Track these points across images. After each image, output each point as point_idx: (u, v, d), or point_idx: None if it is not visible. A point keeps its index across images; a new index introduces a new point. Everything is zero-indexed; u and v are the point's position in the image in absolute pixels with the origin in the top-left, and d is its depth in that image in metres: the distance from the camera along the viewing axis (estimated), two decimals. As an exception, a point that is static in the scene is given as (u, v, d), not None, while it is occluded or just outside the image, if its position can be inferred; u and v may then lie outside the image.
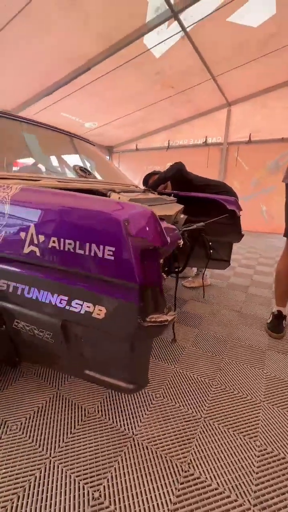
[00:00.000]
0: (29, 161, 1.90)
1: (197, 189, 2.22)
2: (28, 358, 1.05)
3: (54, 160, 1.92)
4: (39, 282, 0.83)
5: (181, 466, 0.87)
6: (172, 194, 1.97)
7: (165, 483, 0.81)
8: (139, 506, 0.75)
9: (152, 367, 1.33)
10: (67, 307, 0.78)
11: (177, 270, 1.79)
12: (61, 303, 0.79)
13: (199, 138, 6.58)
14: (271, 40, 3.77)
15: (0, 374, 1.23)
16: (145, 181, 2.38)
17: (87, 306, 0.75)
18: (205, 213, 1.85)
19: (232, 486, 0.81)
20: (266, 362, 1.41)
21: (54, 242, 0.76)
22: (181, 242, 0.84)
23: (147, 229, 0.66)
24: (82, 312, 0.76)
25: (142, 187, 2.15)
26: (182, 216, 1.60)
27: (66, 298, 0.78)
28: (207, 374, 1.31)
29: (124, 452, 0.91)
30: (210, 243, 2.18)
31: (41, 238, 0.78)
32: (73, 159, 2.04)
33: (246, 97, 5.70)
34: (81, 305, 0.76)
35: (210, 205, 1.95)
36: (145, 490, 0.79)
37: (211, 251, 2.19)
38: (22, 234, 0.82)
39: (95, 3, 2.80)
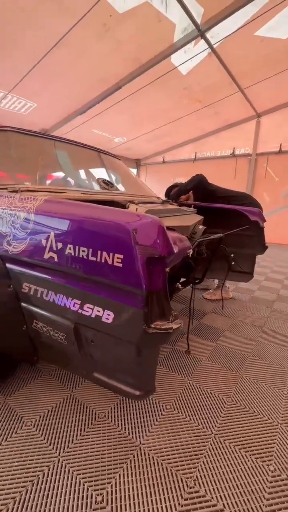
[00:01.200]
0: (59, 175, 2.06)
1: (220, 201, 2.21)
2: (45, 357, 1.11)
3: (81, 174, 2.06)
4: (56, 286, 0.89)
5: (186, 482, 0.84)
6: (193, 206, 1.99)
7: (169, 497, 0.80)
8: (140, 516, 0.75)
9: (164, 378, 1.33)
10: (79, 311, 0.83)
11: (196, 281, 1.78)
12: (75, 307, 0.84)
13: (227, 150, 6.53)
14: (302, 50, 3.70)
15: (20, 372, 1.31)
16: (167, 193, 2.43)
17: (97, 311, 0.79)
18: (227, 224, 1.84)
19: (239, 510, 0.77)
20: None
21: (70, 249, 0.82)
22: (191, 252, 0.85)
23: (154, 238, 0.69)
24: (93, 316, 0.80)
25: (165, 198, 2.20)
26: (200, 227, 1.60)
27: (79, 302, 0.83)
28: (222, 389, 1.26)
29: (130, 460, 0.91)
30: (232, 255, 2.14)
31: (59, 245, 0.85)
32: (99, 173, 2.16)
33: (276, 108, 5.58)
34: (92, 309, 0.80)
35: (233, 216, 1.92)
36: (147, 501, 0.79)
37: (233, 263, 2.14)
38: (43, 241, 0.89)
39: (126, 30, 3.01)
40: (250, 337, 1.77)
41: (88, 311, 0.81)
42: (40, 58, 3.29)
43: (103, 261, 0.74)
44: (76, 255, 0.80)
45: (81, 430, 1.01)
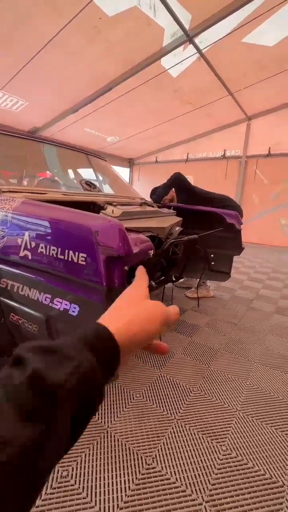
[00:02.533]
0: (45, 175, 2.12)
1: (202, 201, 2.31)
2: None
3: (66, 175, 2.12)
4: (30, 282, 0.97)
5: (145, 460, 0.93)
6: (172, 208, 2.08)
7: (128, 472, 0.89)
8: (100, 488, 0.83)
9: (137, 370, 1.41)
10: (50, 304, 0.91)
11: (174, 280, 1.87)
12: (46, 301, 0.92)
13: (218, 151, 6.64)
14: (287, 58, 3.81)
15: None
16: (152, 194, 2.52)
17: (65, 304, 0.87)
18: (206, 226, 1.93)
19: (189, 483, 0.86)
20: (252, 374, 1.43)
21: (42, 247, 0.89)
22: (152, 252, 0.94)
23: (113, 239, 0.77)
24: (61, 309, 0.88)
25: (149, 200, 2.29)
26: (177, 228, 1.69)
27: (50, 296, 0.91)
28: (190, 380, 1.36)
29: (97, 442, 1.00)
30: (212, 255, 2.24)
31: (33, 244, 0.92)
32: (86, 174, 2.24)
33: (265, 112, 5.70)
34: (61, 303, 0.88)
35: (212, 218, 2.02)
36: (108, 475, 0.87)
37: (213, 263, 2.25)
38: (19, 240, 0.97)
39: (116, 33, 3.07)
40: (224, 333, 1.88)
41: (57, 305, 0.89)
42: (31, 57, 3.32)
43: (69, 259, 0.82)
44: (47, 253, 0.88)
45: (54, 416, 1.09)
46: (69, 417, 0.20)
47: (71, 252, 0.82)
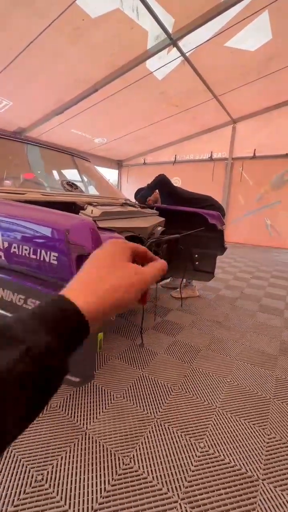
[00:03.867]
0: (27, 176, 2.08)
1: (185, 202, 2.34)
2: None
3: (48, 176, 2.10)
4: (4, 283, 0.95)
5: (123, 460, 0.93)
6: (155, 208, 2.09)
7: (104, 473, 0.88)
8: (75, 491, 0.82)
9: (119, 370, 1.41)
10: (24, 305, 0.89)
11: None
12: (19, 302, 0.90)
13: (205, 153, 6.74)
14: (270, 63, 3.92)
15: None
16: (136, 195, 2.52)
17: (38, 304, 0.85)
18: (189, 226, 1.95)
19: (166, 481, 0.86)
20: (233, 371, 1.45)
21: (14, 247, 0.88)
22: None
23: (85, 237, 0.76)
24: (34, 309, 0.86)
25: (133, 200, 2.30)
26: (159, 228, 1.70)
27: (24, 297, 0.89)
28: (171, 379, 1.36)
29: (74, 444, 0.98)
30: (197, 255, 2.27)
31: (5, 244, 0.91)
32: (68, 175, 2.22)
33: (250, 114, 5.84)
34: (34, 303, 0.86)
35: (195, 219, 2.04)
36: (84, 478, 0.86)
37: (197, 262, 2.27)
38: (-8, 240, 0.95)
39: (99, 35, 3.07)
40: (207, 332, 1.89)
41: (31, 306, 0.87)
42: (13, 59, 3.28)
43: (41, 258, 0.81)
44: (20, 253, 0.87)
45: (31, 419, 1.07)
46: (21, 401, 0.19)
47: (43, 251, 0.81)
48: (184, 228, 1.93)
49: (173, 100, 4.76)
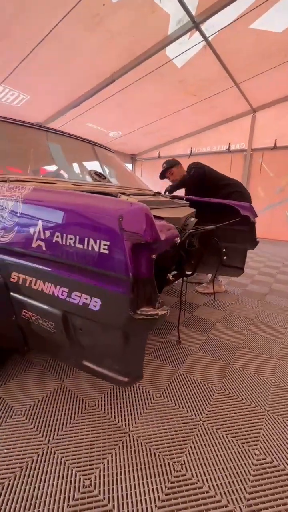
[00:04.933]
0: (52, 167, 2.03)
1: (217, 188, 2.25)
2: (35, 347, 1.11)
3: (73, 166, 2.04)
4: (45, 275, 0.89)
5: (173, 466, 0.86)
6: (185, 199, 1.99)
7: (156, 480, 0.81)
8: (126, 498, 0.76)
9: (155, 368, 1.34)
10: (67, 299, 0.83)
11: (187, 274, 1.79)
12: (63, 295, 0.84)
13: (222, 145, 6.52)
14: (297, 45, 3.69)
15: (11, 364, 1.31)
16: (162, 174, 2.44)
17: (85, 298, 0.79)
18: (219, 218, 1.84)
19: (224, 492, 0.79)
20: (276, 371, 1.35)
21: (57, 237, 0.82)
22: (178, 240, 0.85)
23: (140, 224, 0.69)
24: (81, 303, 0.80)
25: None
26: (192, 219, 1.61)
27: (67, 290, 0.83)
28: (211, 379, 1.28)
29: (119, 446, 0.92)
30: (224, 250, 2.15)
31: (47, 233, 0.84)
32: (92, 165, 2.15)
33: (271, 103, 5.58)
34: (80, 297, 0.80)
35: (225, 210, 1.93)
36: (134, 484, 0.80)
37: (225, 257, 2.16)
38: (31, 230, 0.89)
39: (119, 22, 2.96)
40: (240, 329, 1.80)
41: (75, 299, 0.81)
42: (30, 50, 3.22)
43: (90, 248, 0.74)
44: (64, 242, 0.80)
45: (71, 419, 1.02)
46: None
47: (91, 240, 0.74)
48: (214, 220, 1.82)
49: (192, 88, 4.60)
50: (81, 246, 0.76)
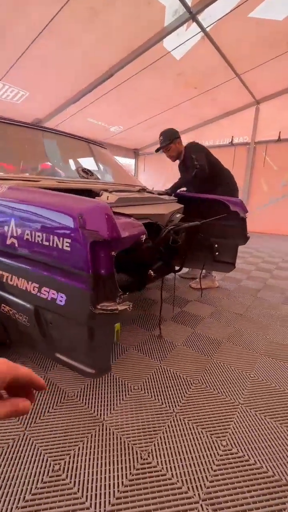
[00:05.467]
0: (44, 164, 2.06)
1: (214, 172, 2.23)
2: (15, 340, 1.16)
3: (63, 164, 2.06)
4: (18, 271, 0.93)
5: (140, 454, 0.90)
6: (173, 194, 1.99)
7: (122, 467, 0.85)
8: (91, 483, 0.80)
9: (137, 361, 1.37)
10: (38, 294, 0.86)
11: (176, 269, 1.80)
12: (34, 290, 0.87)
13: (225, 138, 6.41)
14: (300, 33, 3.56)
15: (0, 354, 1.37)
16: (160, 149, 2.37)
17: (53, 293, 0.82)
18: (209, 214, 1.84)
19: (186, 479, 0.82)
20: (256, 366, 1.37)
21: (27, 234, 0.85)
22: (144, 237, 0.87)
23: (99, 222, 0.71)
24: (49, 298, 0.83)
25: (163, 189, 2.19)
26: (178, 215, 1.62)
27: (38, 285, 0.86)
28: (191, 373, 1.31)
29: (92, 435, 0.96)
30: (216, 245, 2.16)
31: (18, 231, 0.88)
32: (84, 162, 2.17)
33: (275, 94, 5.43)
34: (48, 292, 0.83)
35: (214, 206, 1.92)
36: (101, 470, 0.84)
37: (217, 253, 2.16)
38: (6, 227, 0.92)
39: (115, 15, 2.93)
40: (228, 324, 1.81)
41: (45, 294, 0.84)
42: (27, 47, 3.23)
43: (54, 245, 0.77)
44: (33, 240, 0.83)
45: (49, 408, 1.07)
46: None
47: (55, 238, 0.77)
48: (203, 216, 1.83)
49: (192, 81, 4.52)
50: (47, 243, 0.79)
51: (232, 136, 6.31)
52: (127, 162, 8.22)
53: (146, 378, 1.26)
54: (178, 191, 2.23)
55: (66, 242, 0.74)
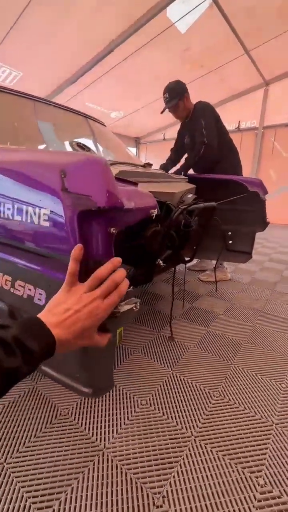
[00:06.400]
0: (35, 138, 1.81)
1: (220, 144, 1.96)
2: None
3: (56, 140, 1.81)
4: (-12, 259, 0.70)
5: (153, 499, 0.68)
6: (183, 174, 1.74)
7: (129, 519, 0.64)
8: None
9: (144, 368, 1.15)
10: (11, 290, 0.63)
11: (186, 259, 1.57)
12: (6, 285, 0.65)
13: (232, 123, 6.07)
14: None
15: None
16: (174, 92, 2.00)
17: (29, 289, 0.59)
18: (222, 197, 1.59)
19: (216, 539, 0.60)
20: (287, 373, 1.14)
21: (-5, 208, 0.61)
22: (156, 212, 0.64)
23: (90, 182, 0.47)
24: (25, 296, 0.60)
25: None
26: (190, 195, 1.37)
27: (10, 278, 0.63)
28: (209, 382, 1.09)
29: (89, 469, 0.75)
30: (230, 233, 1.91)
31: (-15, 204, 0.64)
32: (80, 138, 1.92)
33: (286, 74, 5.07)
34: (23, 287, 0.60)
35: (229, 186, 1.67)
36: (101, 524, 0.63)
37: (230, 241, 1.91)
38: None
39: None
40: (246, 321, 1.58)
41: (19, 290, 0.61)
42: (16, 19, 2.93)
43: (28, 220, 0.54)
44: (2, 215, 0.60)
45: (37, 431, 0.86)
46: None
47: (30, 208, 0.53)
48: (217, 198, 1.57)
49: (198, 58, 4.19)
50: (19, 218, 0.56)
51: (239, 121, 5.97)
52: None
53: (155, 390, 1.04)
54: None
55: (44, 214, 0.50)
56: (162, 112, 2.13)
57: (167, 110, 2.07)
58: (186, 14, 3.24)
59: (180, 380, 1.09)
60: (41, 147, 1.67)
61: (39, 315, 0.35)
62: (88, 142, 1.93)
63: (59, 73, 4.19)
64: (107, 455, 0.79)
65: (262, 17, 3.49)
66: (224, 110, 6.08)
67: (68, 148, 1.58)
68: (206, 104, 2.02)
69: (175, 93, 1.96)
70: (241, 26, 3.64)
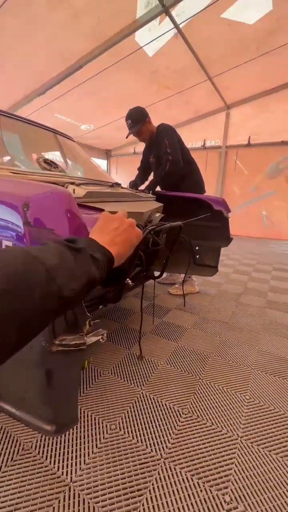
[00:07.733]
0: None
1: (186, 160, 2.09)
2: None
3: (22, 154, 1.76)
4: None
5: (121, 532, 0.66)
6: (151, 192, 1.80)
7: None
8: None
9: (113, 389, 1.13)
10: None
11: (156, 275, 1.60)
12: None
13: (198, 141, 6.44)
14: (270, 39, 3.63)
15: None
16: (136, 119, 2.11)
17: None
18: (189, 215, 1.67)
19: None
20: (250, 383, 1.21)
21: None
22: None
23: (53, 216, 0.47)
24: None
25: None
26: (158, 214, 1.42)
27: None
28: (178, 399, 1.10)
29: (54, 508, 0.71)
30: (197, 248, 2.00)
31: None
32: (51, 154, 1.90)
33: (245, 100, 5.56)
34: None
35: (195, 205, 1.77)
36: None
37: (198, 256, 2.01)
38: None
39: (82, -2, 2.70)
40: (214, 334, 1.65)
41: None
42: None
43: (-12, 251, 0.52)
44: None
45: (-4, 470, 0.79)
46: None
47: (-10, 239, 0.51)
48: (183, 216, 1.65)
49: (165, 80, 4.42)
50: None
51: (205, 140, 6.36)
52: (99, 163, 7.93)
53: (125, 412, 1.02)
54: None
55: (6, 246, 0.49)
56: (127, 137, 2.23)
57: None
58: (153, 40, 3.43)
59: (150, 399, 1.09)
60: (6, 159, 1.61)
61: (92, 237, 0.43)
62: (58, 157, 1.92)
63: (26, 84, 4.13)
64: (74, 490, 0.75)
65: (222, 48, 3.83)
66: (190, 129, 6.46)
67: (35, 165, 1.55)
68: (169, 126, 2.15)
69: (137, 119, 2.07)
70: (204, 55, 3.94)
